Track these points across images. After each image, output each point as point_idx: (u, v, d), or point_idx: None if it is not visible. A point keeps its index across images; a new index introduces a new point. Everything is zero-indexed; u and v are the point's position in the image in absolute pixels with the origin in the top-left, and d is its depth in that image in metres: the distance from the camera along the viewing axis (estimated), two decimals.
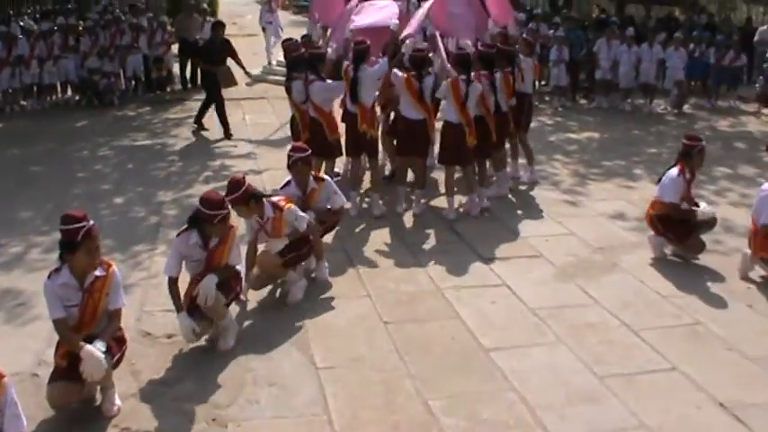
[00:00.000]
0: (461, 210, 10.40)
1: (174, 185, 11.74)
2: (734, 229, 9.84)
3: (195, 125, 15.73)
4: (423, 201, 10.56)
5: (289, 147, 8.77)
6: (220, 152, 13.91)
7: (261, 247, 7.74)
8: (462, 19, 11.48)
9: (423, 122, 10.15)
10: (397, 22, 10.78)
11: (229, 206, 6.76)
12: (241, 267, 7.08)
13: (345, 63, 10.37)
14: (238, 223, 7.20)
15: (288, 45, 12.16)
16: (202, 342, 6.81)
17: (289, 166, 8.21)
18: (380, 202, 10.39)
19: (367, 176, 11.02)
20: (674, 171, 8.80)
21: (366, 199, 10.71)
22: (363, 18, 11.19)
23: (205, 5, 23.85)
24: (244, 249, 7.49)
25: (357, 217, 10.09)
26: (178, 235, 6.77)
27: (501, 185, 11.16)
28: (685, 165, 8.81)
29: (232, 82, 15.68)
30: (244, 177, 7.51)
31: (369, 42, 10.24)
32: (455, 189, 10.45)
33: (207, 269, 6.64)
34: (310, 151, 8.42)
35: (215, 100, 15.25)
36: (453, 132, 10.08)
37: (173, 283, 6.61)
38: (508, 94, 10.71)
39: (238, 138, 14.78)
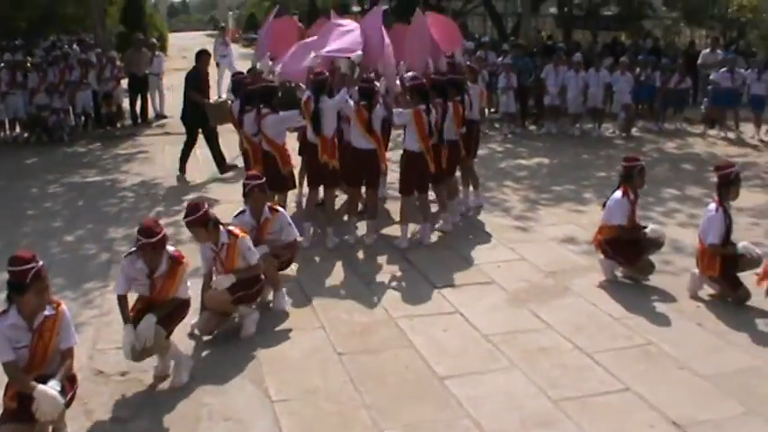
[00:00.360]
0: (414, 238, 10.42)
1: (126, 222, 11.64)
2: (683, 250, 9.96)
3: (180, 172, 14.54)
4: (374, 231, 10.56)
5: (241, 180, 8.77)
6: (171, 186, 13.85)
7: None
8: (413, 47, 11.50)
9: (372, 152, 10.18)
10: (361, 53, 10.79)
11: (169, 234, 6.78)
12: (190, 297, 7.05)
13: (306, 94, 10.29)
14: (194, 260, 7.18)
15: (239, 79, 12.18)
16: (158, 379, 6.77)
17: (244, 194, 8.22)
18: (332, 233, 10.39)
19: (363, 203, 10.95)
20: (618, 194, 8.94)
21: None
22: (328, 44, 11.10)
23: (154, 40, 23.77)
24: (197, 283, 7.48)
25: (310, 248, 10.07)
26: (126, 256, 6.81)
27: (453, 213, 11.20)
28: (628, 186, 8.95)
29: (226, 119, 13.12)
30: (203, 202, 7.51)
31: (327, 73, 10.32)
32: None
33: (151, 299, 6.68)
34: (263, 180, 8.44)
35: (206, 135, 14.53)
36: (415, 161, 10.14)
37: (122, 299, 6.70)
38: (458, 123, 10.77)
39: (190, 172, 14.71)
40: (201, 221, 7.23)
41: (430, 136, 10.02)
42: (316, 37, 11.60)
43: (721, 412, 6.21)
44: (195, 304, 7.38)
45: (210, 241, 7.41)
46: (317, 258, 9.83)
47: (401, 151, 10.53)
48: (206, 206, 7.34)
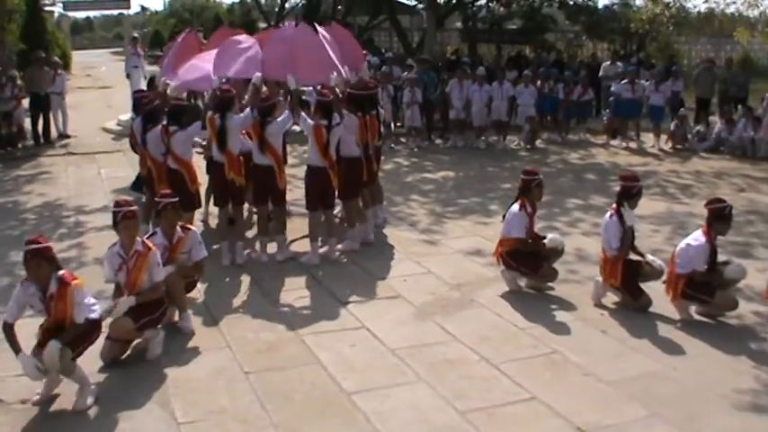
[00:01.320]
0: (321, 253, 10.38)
1: None
2: (587, 258, 10.13)
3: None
4: (286, 248, 10.51)
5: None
6: (75, 207, 13.56)
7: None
8: (312, 60, 11.36)
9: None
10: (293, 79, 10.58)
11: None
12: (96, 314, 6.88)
13: (209, 112, 10.20)
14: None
15: (142, 96, 12.00)
16: (59, 406, 6.59)
17: (157, 213, 8.07)
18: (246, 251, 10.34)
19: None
20: (516, 207, 9.05)
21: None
22: (228, 67, 11.00)
23: (56, 58, 23.25)
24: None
25: (215, 267, 9.94)
26: (21, 282, 6.67)
27: (364, 231, 11.15)
28: (525, 199, 9.06)
29: None
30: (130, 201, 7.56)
31: (234, 91, 10.24)
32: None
33: (51, 322, 6.57)
34: (177, 199, 8.36)
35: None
36: (318, 176, 10.12)
37: (9, 327, 6.52)
38: (373, 137, 10.83)
39: (93, 192, 14.44)
40: (135, 215, 7.31)
41: (328, 151, 10.03)
42: (215, 51, 11.42)
43: (625, 416, 6.32)
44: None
45: (128, 246, 7.31)
46: (223, 277, 9.71)
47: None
48: (135, 207, 7.39)
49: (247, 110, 10.14)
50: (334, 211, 10.98)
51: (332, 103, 10.16)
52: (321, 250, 10.35)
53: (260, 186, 10.30)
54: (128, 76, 23.51)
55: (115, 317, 7.22)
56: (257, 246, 10.50)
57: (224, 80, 10.76)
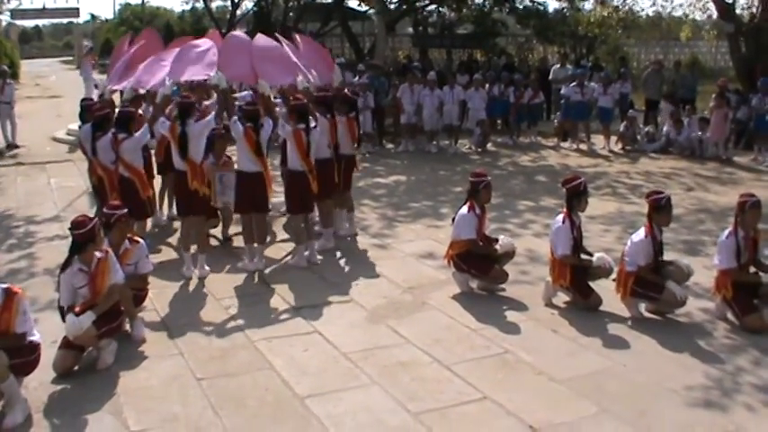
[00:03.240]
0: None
1: None
2: (538, 259, 10.19)
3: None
4: (263, 255, 10.41)
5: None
6: (24, 217, 13.41)
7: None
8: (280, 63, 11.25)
9: (260, 175, 10.09)
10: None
11: None
12: (36, 338, 6.78)
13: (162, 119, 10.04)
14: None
15: (90, 104, 11.90)
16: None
17: (106, 225, 7.94)
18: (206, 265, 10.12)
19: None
20: (464, 209, 9.14)
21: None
22: (182, 67, 10.83)
23: (5, 67, 22.98)
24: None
25: (173, 275, 9.89)
26: None
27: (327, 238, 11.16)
28: (474, 201, 9.13)
29: None
30: (87, 217, 7.42)
31: (193, 98, 10.27)
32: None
33: None
34: (126, 211, 8.26)
35: None
36: (299, 181, 10.13)
37: None
38: (352, 139, 11.29)
39: (42, 203, 14.29)
40: (91, 236, 7.17)
41: (309, 155, 10.07)
42: (177, 50, 11.34)
43: (576, 413, 6.38)
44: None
45: (91, 258, 7.24)
46: (175, 284, 9.65)
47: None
48: (94, 220, 7.31)
49: (210, 116, 10.07)
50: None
51: (307, 107, 10.18)
52: (305, 253, 10.38)
53: (248, 194, 10.13)
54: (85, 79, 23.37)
55: (76, 334, 7.12)
56: (245, 256, 10.39)
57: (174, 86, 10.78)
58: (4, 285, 6.58)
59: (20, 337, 6.57)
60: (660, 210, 8.35)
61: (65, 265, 7.34)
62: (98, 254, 7.29)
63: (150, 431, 6.28)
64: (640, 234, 8.37)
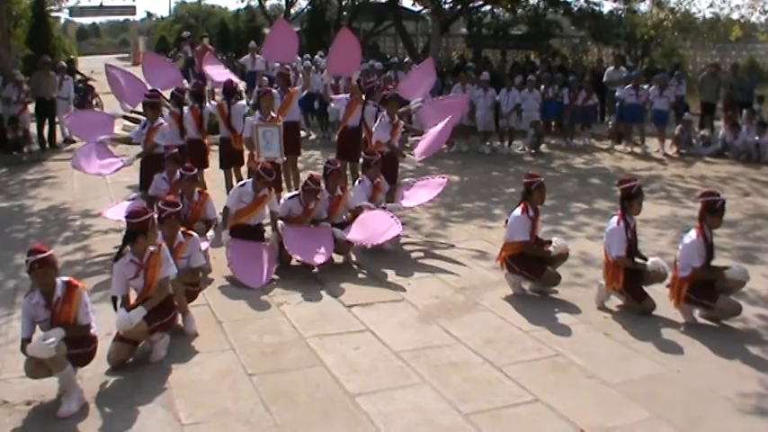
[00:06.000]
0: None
1: None
2: (592, 262, 10.13)
3: None
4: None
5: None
6: (80, 211, 13.60)
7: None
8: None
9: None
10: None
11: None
12: (95, 331, 6.89)
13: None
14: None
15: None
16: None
17: (160, 220, 8.07)
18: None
19: None
20: (518, 211, 9.10)
21: None
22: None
23: (63, 63, 23.23)
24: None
25: (225, 270, 9.97)
26: (26, 295, 6.71)
27: None
28: (527, 203, 9.09)
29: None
30: (145, 208, 7.59)
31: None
32: None
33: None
34: (180, 207, 8.50)
35: None
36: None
37: (26, 342, 6.54)
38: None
39: (99, 196, 14.49)
40: (143, 227, 7.28)
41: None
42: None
43: (628, 418, 6.33)
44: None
45: (143, 250, 7.35)
46: (226, 281, 9.73)
47: None
48: (149, 213, 7.44)
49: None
50: None
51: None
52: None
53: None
54: None
55: (126, 328, 7.21)
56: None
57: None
58: (66, 278, 6.71)
59: (85, 328, 6.72)
60: (714, 212, 8.24)
61: (118, 255, 7.51)
62: (152, 247, 7.37)
63: (202, 424, 6.34)
64: (692, 236, 8.26)
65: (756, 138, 18.20)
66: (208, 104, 13.11)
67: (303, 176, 11.30)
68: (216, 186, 12.74)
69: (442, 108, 13.25)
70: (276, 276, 9.85)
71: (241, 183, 10.62)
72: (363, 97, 13.30)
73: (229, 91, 12.99)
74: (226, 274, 9.82)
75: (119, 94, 13.47)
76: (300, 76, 15.88)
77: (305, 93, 14.35)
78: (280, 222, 10.23)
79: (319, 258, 9.86)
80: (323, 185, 10.34)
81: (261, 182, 10.06)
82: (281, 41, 13.94)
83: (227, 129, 12.90)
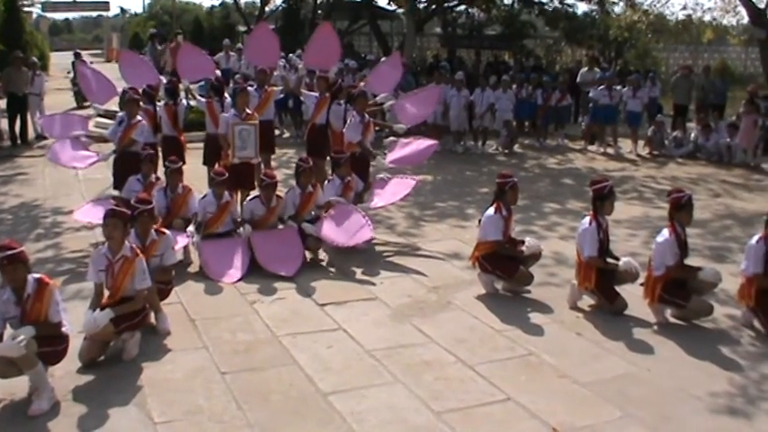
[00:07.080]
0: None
1: None
2: (565, 262, 10.17)
3: None
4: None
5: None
6: (51, 208, 13.51)
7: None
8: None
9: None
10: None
11: None
12: (66, 329, 6.82)
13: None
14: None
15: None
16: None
17: (133, 217, 8.02)
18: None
19: None
20: (491, 210, 9.13)
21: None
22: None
23: (35, 59, 23.05)
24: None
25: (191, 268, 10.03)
26: None
27: None
28: (500, 203, 9.12)
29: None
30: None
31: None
32: None
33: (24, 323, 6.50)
34: (153, 205, 8.52)
35: None
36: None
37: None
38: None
39: (71, 193, 14.40)
40: (124, 217, 7.35)
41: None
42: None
43: (600, 417, 6.37)
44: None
45: (114, 247, 7.32)
46: (200, 278, 9.70)
47: None
48: (121, 211, 7.45)
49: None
50: None
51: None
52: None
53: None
54: None
55: (92, 332, 7.16)
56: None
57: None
58: (37, 275, 6.66)
59: (56, 326, 6.66)
60: (681, 208, 8.32)
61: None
62: (127, 251, 7.33)
63: (174, 423, 6.31)
64: (664, 234, 8.33)
65: (728, 139, 18.35)
66: (184, 101, 13.16)
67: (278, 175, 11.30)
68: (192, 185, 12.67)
69: (416, 102, 13.37)
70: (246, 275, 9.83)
71: (203, 195, 10.57)
72: (327, 96, 13.41)
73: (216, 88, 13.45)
74: (198, 272, 9.80)
75: (87, 92, 13.64)
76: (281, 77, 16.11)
77: (282, 95, 14.44)
78: (247, 227, 10.25)
79: (289, 270, 9.80)
80: (294, 182, 10.50)
81: (219, 187, 10.18)
82: (263, 45, 14.08)
83: (213, 126, 12.85)
